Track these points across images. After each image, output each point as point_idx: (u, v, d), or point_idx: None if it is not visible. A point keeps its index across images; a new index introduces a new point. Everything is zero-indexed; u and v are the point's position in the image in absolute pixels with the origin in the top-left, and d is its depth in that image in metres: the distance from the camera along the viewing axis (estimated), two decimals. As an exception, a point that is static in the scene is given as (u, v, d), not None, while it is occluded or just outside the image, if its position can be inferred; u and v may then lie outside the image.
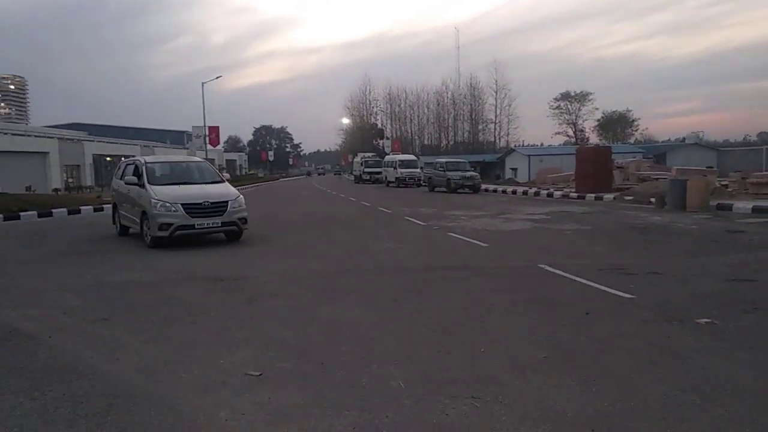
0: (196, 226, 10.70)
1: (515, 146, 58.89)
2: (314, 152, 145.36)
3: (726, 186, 20.40)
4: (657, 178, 22.99)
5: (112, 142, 54.90)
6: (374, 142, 71.07)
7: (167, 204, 10.56)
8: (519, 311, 5.82)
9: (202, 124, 38.93)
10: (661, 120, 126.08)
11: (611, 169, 24.77)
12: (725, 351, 4.44)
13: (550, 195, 24.47)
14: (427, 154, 62.82)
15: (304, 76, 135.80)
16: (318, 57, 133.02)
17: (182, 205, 10.57)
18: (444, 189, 30.31)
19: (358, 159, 56.55)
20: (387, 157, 47.62)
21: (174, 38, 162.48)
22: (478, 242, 10.76)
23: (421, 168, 40.55)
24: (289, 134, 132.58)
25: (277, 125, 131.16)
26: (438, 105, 75.64)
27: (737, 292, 6.41)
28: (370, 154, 56.81)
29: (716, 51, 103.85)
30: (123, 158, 14.94)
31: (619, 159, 30.00)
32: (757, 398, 3.56)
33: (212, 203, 10.83)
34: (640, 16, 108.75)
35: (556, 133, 75.06)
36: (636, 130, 73.05)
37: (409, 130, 78.57)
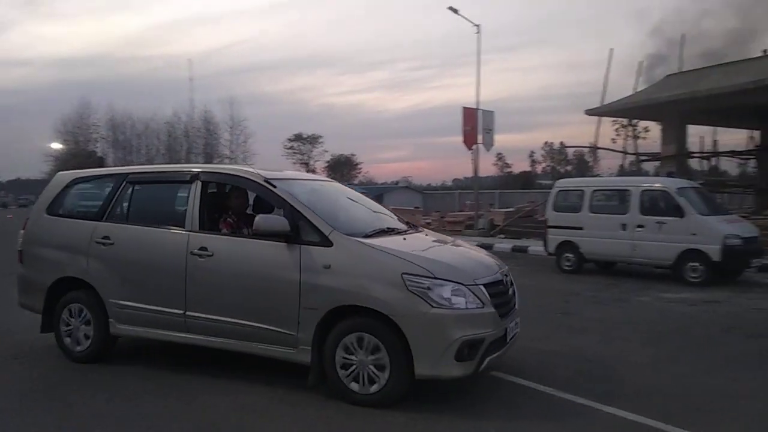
0: (508, 339, 4.62)
1: (251, 183, 59.18)
2: (13, 180, 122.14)
3: (429, 223, 23.86)
4: (377, 216, 25.77)
5: None
6: (92, 171, 63.58)
7: (461, 288, 4.24)
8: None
9: None
10: (380, 165, 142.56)
11: (339, 207, 26.87)
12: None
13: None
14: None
15: (3, 91, 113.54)
16: (24, 71, 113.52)
17: (485, 288, 4.41)
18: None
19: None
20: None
21: None
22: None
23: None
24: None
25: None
26: (170, 136, 71.66)
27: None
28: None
29: (421, 108, 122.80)
30: None
31: (346, 198, 32.74)
32: None
33: (510, 281, 5.02)
34: (363, 72, 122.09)
35: (291, 172, 78.14)
36: (360, 173, 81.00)
37: (136, 160, 72.47)
